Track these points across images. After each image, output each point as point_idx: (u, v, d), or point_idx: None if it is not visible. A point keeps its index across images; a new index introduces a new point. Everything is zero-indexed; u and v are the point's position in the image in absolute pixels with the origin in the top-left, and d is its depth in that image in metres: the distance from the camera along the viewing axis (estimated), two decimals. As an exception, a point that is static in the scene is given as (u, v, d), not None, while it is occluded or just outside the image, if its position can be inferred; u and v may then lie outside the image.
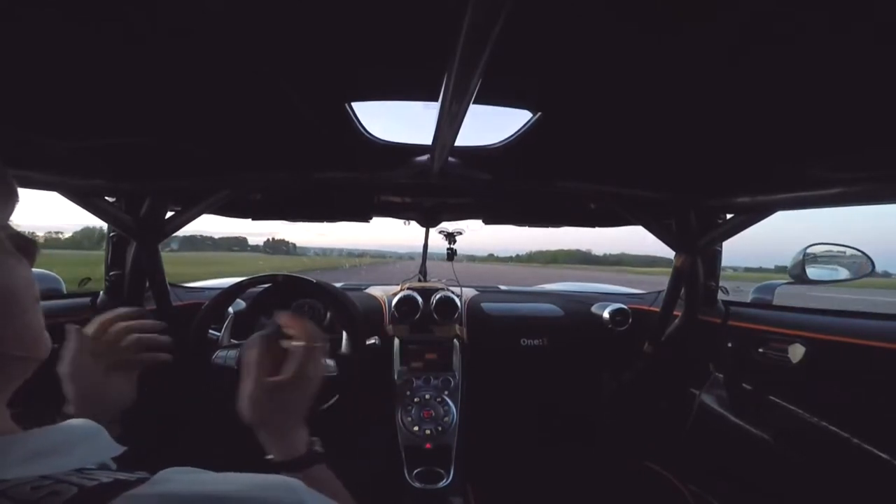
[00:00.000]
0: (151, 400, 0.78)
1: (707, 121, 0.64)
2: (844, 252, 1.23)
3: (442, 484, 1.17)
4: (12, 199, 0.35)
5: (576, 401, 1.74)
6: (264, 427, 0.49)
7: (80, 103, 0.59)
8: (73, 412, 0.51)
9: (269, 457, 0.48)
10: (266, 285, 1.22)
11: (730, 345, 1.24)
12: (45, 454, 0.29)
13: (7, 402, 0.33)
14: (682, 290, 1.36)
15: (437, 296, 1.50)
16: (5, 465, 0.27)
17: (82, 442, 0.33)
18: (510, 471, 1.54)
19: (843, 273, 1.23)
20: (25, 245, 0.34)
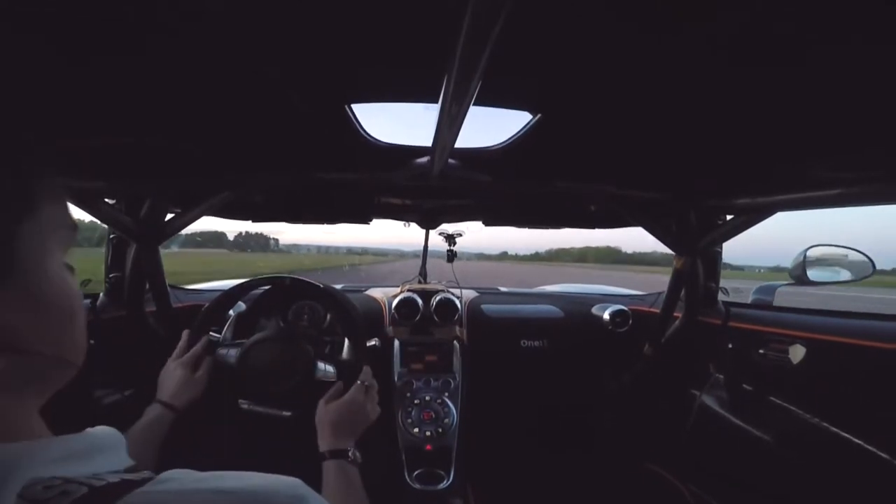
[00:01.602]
0: (150, 398, 0.80)
1: (707, 121, 0.64)
2: (846, 254, 1.24)
3: (442, 485, 1.16)
4: (74, 233, 0.36)
5: (576, 402, 1.74)
6: (329, 426, 0.74)
7: (81, 103, 0.59)
8: (167, 400, 0.78)
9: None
10: (266, 287, 1.21)
11: (730, 346, 1.24)
12: (67, 459, 0.30)
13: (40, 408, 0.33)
14: (683, 292, 1.35)
15: (437, 297, 1.49)
16: (31, 469, 0.27)
17: (104, 451, 0.34)
18: (510, 472, 1.54)
19: (845, 274, 1.23)
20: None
